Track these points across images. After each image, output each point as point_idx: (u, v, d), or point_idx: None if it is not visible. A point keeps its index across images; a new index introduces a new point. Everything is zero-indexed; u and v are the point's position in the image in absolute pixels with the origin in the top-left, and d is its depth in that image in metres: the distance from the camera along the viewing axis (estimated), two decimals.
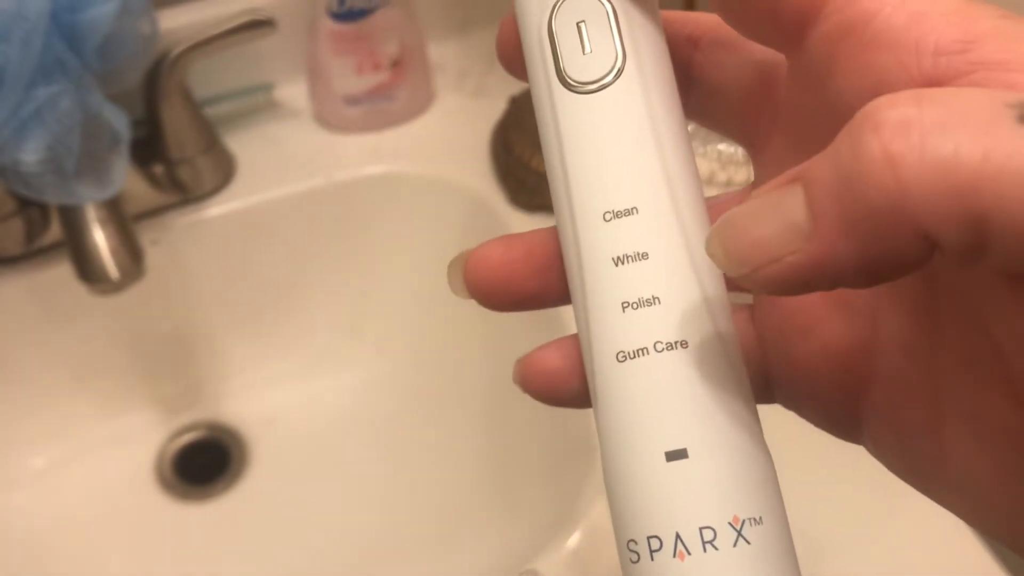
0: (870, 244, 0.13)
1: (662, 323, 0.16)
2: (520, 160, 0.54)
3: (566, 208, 0.17)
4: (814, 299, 0.18)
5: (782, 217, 0.14)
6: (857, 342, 0.18)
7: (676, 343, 0.16)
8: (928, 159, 0.12)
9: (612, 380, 0.16)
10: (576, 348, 0.18)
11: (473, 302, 0.19)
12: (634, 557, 0.15)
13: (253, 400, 0.61)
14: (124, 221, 0.47)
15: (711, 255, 0.15)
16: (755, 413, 0.16)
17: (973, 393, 0.16)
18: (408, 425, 0.60)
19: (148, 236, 0.54)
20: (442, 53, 0.65)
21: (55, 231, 0.53)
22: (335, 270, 0.61)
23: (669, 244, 0.16)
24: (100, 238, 0.47)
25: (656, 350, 0.16)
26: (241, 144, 0.59)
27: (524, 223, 0.55)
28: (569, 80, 0.17)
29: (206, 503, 0.57)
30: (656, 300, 0.16)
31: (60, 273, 0.53)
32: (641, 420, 0.15)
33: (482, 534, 0.52)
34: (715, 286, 0.17)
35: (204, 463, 0.59)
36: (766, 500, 0.15)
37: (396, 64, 0.58)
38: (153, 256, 0.51)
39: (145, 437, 0.59)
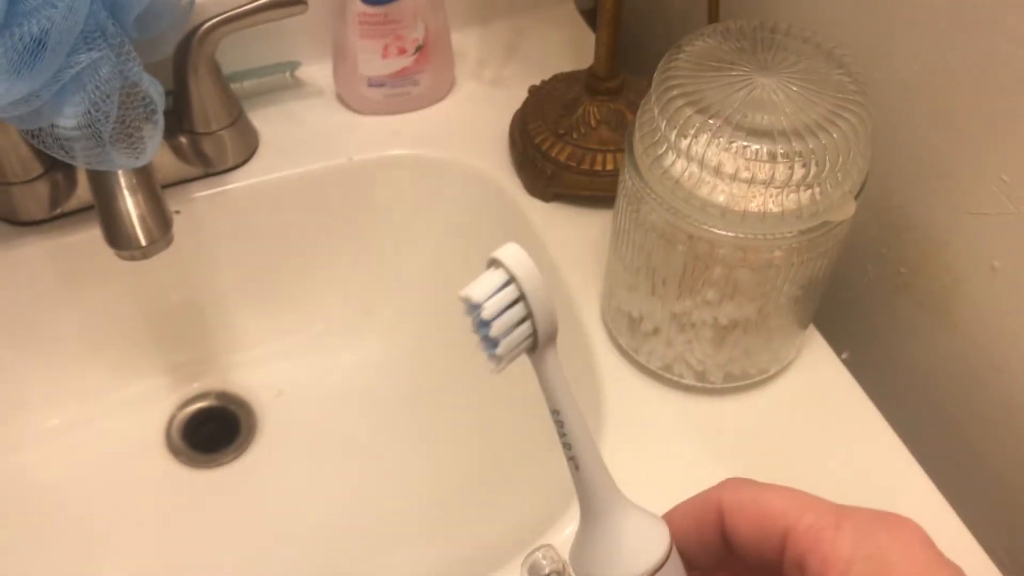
0: None
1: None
2: (539, 148, 0.55)
3: None
4: None
5: None
6: None
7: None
8: None
9: None
10: None
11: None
12: None
13: (263, 372, 0.62)
14: (154, 189, 0.48)
15: None
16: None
17: None
18: (415, 403, 0.61)
19: (170, 206, 0.55)
20: (462, 41, 0.66)
21: (79, 196, 0.54)
22: (350, 249, 0.62)
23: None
24: (130, 204, 0.47)
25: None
26: (264, 120, 0.60)
27: (540, 212, 0.56)
28: None
29: (213, 470, 0.58)
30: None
31: (82, 239, 0.54)
32: None
33: (489, 510, 0.53)
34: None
35: (213, 431, 0.60)
36: None
37: (421, 49, 0.59)
38: (174, 226, 0.52)
39: (157, 403, 0.60)
